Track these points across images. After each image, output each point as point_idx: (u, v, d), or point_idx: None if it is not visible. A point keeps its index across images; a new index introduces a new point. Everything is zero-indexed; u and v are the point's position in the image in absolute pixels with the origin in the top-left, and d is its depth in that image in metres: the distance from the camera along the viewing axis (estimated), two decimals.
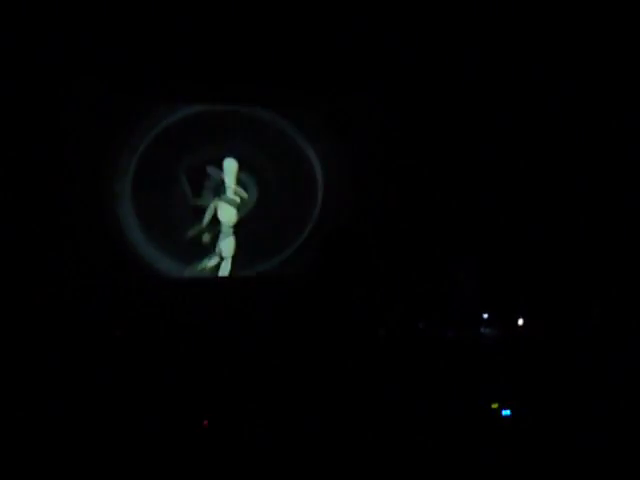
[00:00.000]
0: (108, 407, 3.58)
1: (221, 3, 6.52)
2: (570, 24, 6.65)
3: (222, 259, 7.28)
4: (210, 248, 7.23)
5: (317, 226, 7.49)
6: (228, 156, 7.30)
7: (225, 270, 7.24)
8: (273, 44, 6.87)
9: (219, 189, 7.30)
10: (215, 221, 7.28)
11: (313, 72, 7.06)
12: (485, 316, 6.06)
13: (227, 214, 7.35)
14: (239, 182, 7.36)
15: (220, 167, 7.26)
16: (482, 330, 5.88)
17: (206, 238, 7.20)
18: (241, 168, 7.35)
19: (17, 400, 3.59)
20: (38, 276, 6.25)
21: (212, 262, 7.25)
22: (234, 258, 7.29)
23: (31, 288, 6.11)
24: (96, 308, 6.17)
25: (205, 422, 3.49)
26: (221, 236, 7.29)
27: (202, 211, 7.23)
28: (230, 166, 7.35)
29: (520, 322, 5.81)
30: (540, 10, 6.69)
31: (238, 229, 7.35)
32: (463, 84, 7.20)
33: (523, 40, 6.90)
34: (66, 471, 3.06)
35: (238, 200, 7.38)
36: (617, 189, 6.67)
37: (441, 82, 7.22)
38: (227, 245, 7.31)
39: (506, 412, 3.76)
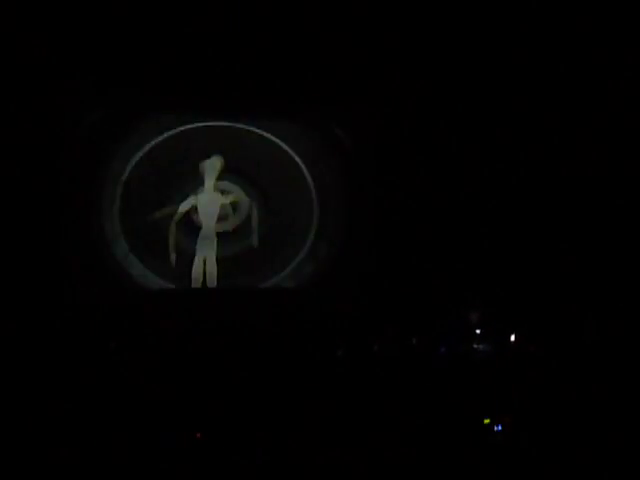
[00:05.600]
0: (103, 418, 3.58)
1: (219, 23, 6.58)
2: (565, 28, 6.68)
3: (205, 264, 6.95)
4: (191, 252, 6.95)
5: (311, 240, 7.45)
6: (214, 155, 7.00)
7: (210, 278, 6.98)
8: (265, 57, 6.91)
9: (198, 189, 7.00)
10: (195, 225, 6.99)
11: (308, 83, 7.09)
12: (478, 332, 6.09)
13: (207, 216, 7.01)
14: (225, 185, 7.10)
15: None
16: (475, 346, 5.90)
17: (184, 242, 6.93)
18: (231, 173, 7.09)
19: (17, 412, 3.59)
20: (32, 290, 6.22)
21: (195, 268, 6.91)
22: (219, 264, 6.97)
23: (24, 302, 6.09)
24: (89, 321, 6.16)
25: (198, 434, 3.50)
26: (202, 240, 6.96)
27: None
28: (212, 165, 7.02)
29: (512, 338, 5.84)
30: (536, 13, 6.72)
31: (222, 233, 7.06)
32: (467, 97, 7.22)
33: (521, 44, 6.93)
34: None
35: (220, 202, 7.05)
36: (610, 209, 6.71)
37: (434, 93, 7.25)
38: (209, 250, 6.95)
39: (498, 427, 3.78)
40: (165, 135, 7.04)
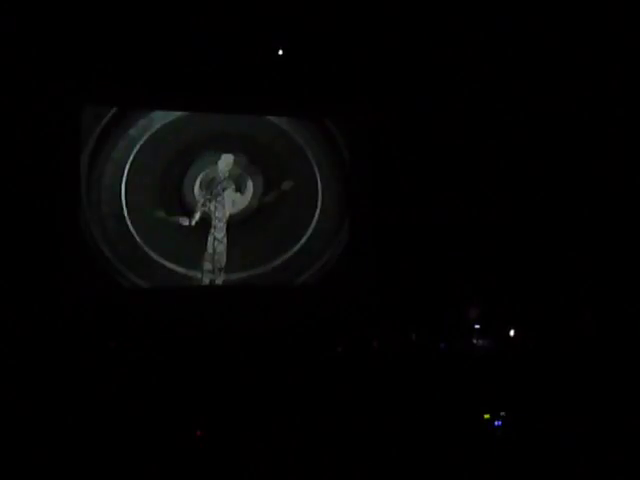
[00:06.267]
0: (104, 417, 3.58)
1: (230, 19, 6.58)
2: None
3: (215, 257, 7.11)
4: (203, 246, 7.08)
5: (313, 234, 7.48)
6: (225, 153, 7.23)
7: (218, 273, 7.19)
8: (275, 53, 6.96)
9: (213, 185, 7.19)
10: (208, 218, 7.13)
11: (318, 80, 7.13)
12: (477, 327, 6.10)
13: (220, 211, 7.21)
14: (235, 180, 7.27)
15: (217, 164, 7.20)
16: (474, 341, 5.91)
17: (197, 235, 7.06)
18: (238, 166, 7.26)
19: (16, 411, 3.59)
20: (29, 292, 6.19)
21: (204, 262, 7.08)
22: (228, 256, 7.17)
23: (21, 302, 6.06)
24: (90, 320, 6.16)
25: (198, 432, 3.50)
26: (214, 233, 7.14)
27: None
28: (225, 162, 7.25)
29: (512, 333, 5.84)
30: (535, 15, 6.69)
31: (232, 226, 7.21)
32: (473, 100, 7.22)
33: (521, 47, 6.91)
34: None
35: (232, 197, 7.26)
36: (607, 206, 6.70)
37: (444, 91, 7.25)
38: (219, 243, 7.14)
39: (498, 423, 3.78)
40: (161, 125, 7.07)
